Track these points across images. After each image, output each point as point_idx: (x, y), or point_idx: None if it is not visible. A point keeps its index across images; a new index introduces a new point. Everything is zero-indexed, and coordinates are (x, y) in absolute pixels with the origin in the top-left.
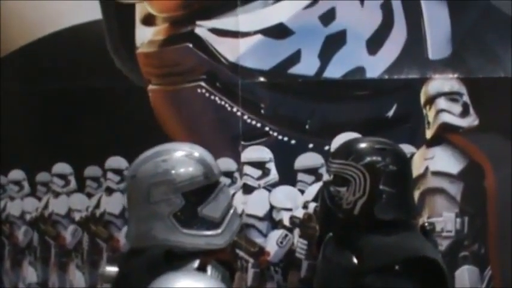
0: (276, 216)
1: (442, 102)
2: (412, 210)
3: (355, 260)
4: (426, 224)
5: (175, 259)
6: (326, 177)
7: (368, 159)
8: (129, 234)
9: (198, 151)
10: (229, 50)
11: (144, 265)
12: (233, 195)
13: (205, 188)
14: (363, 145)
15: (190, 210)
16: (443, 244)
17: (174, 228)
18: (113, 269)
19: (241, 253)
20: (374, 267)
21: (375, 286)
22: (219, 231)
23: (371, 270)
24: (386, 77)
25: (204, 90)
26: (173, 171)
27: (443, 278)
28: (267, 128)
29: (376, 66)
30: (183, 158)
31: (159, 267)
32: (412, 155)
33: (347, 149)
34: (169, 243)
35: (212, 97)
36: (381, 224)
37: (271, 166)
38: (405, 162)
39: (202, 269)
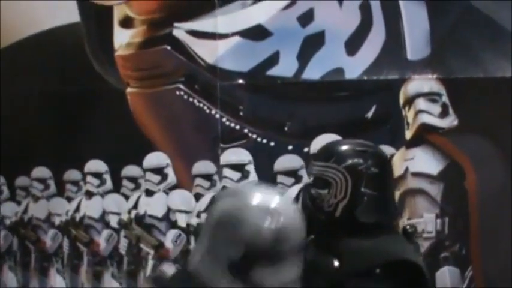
0: None
1: (421, 103)
2: (394, 213)
3: (335, 264)
4: (408, 227)
5: None
6: (307, 179)
7: (349, 161)
8: (194, 256)
9: (283, 208)
10: (208, 51)
11: None
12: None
13: (267, 248)
14: (344, 147)
15: (244, 266)
16: (424, 245)
17: (225, 276)
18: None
19: None
20: (354, 271)
21: None
22: None
23: (351, 274)
24: (365, 77)
25: (182, 93)
26: (242, 218)
27: (425, 281)
28: (246, 130)
29: (355, 67)
30: (261, 207)
31: None
32: (392, 156)
33: (328, 151)
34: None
35: (191, 99)
36: (363, 226)
37: (251, 168)
38: (386, 164)
39: None
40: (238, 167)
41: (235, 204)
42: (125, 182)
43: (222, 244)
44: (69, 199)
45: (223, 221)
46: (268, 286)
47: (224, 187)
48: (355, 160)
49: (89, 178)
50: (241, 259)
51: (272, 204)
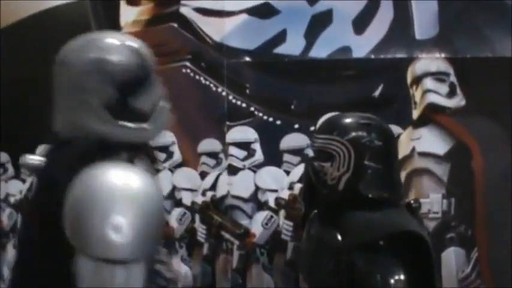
0: (261, 197)
1: (428, 83)
2: (398, 188)
3: (339, 237)
4: (412, 202)
5: (105, 150)
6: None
7: (353, 134)
8: (57, 123)
9: (133, 41)
10: (215, 29)
11: (74, 155)
12: (218, 176)
13: (137, 79)
14: (347, 120)
15: (121, 101)
16: (430, 225)
17: (104, 119)
18: (36, 157)
19: (226, 235)
20: (358, 244)
21: (359, 263)
22: (147, 124)
23: (355, 246)
24: (372, 56)
25: (189, 70)
26: (106, 59)
27: (429, 253)
28: (252, 109)
29: (362, 46)
30: (117, 46)
31: (89, 157)
32: (399, 135)
33: (331, 124)
34: (99, 134)
35: (197, 77)
36: (366, 200)
37: (257, 147)
38: (391, 138)
39: (130, 161)
40: (244, 145)
41: (94, 51)
42: None
43: (93, 91)
44: None
45: (87, 70)
46: (145, 109)
47: (230, 166)
48: (359, 133)
49: None
50: (115, 96)
51: (124, 42)
